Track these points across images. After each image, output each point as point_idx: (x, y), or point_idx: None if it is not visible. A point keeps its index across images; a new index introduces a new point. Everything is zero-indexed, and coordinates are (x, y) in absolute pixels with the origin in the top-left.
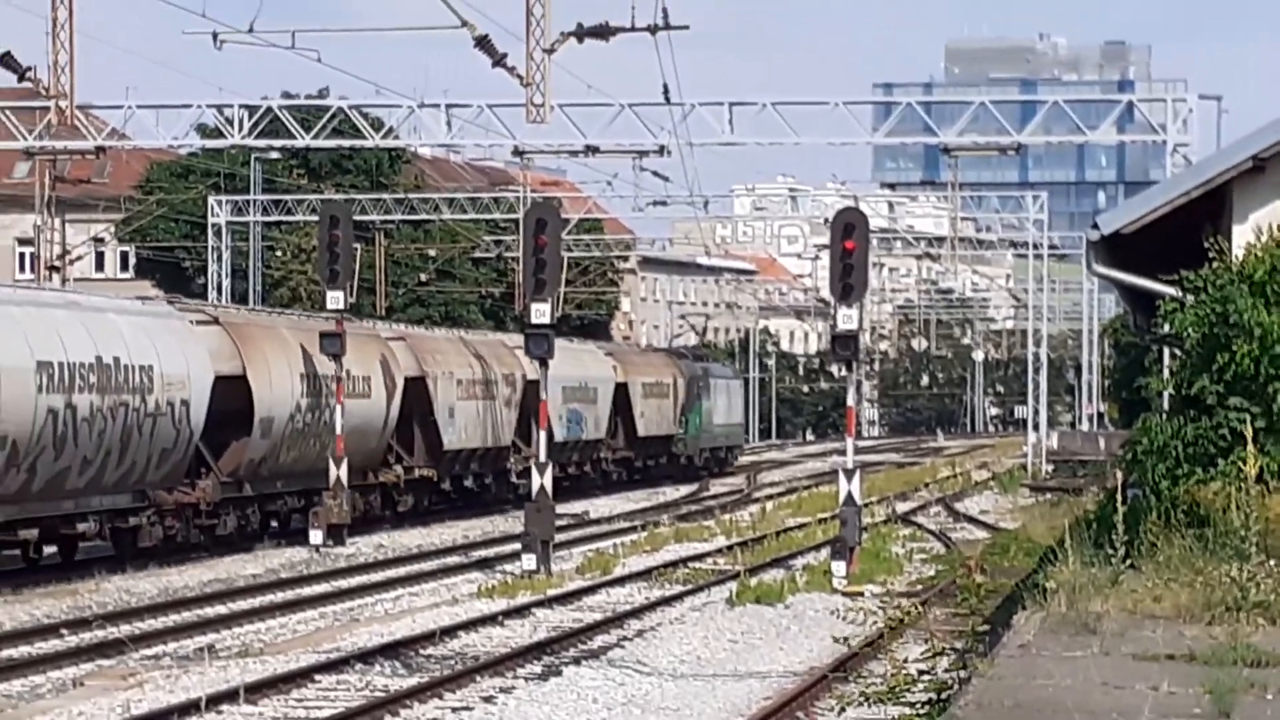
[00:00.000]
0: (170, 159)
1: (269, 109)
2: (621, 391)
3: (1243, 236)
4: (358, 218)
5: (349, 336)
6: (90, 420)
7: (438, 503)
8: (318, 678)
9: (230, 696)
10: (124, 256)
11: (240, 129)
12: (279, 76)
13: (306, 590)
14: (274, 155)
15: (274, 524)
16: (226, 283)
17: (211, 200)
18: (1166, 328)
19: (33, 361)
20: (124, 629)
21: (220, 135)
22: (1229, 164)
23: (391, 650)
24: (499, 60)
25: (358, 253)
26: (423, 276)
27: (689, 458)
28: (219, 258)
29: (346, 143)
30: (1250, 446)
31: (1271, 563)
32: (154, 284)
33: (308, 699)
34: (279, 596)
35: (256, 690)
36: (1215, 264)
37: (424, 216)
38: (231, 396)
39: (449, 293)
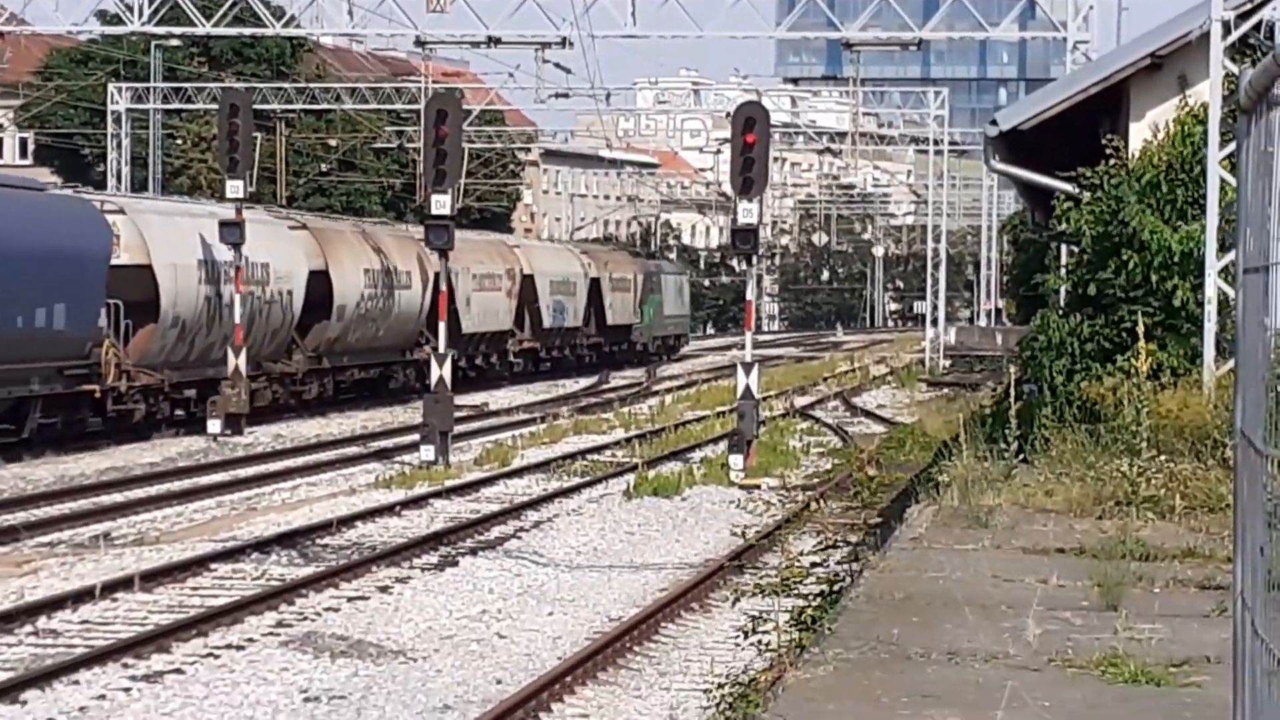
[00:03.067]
0: (70, 45)
1: None
2: (594, 286)
3: (1140, 134)
4: (259, 107)
5: (394, 238)
6: (230, 306)
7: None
8: (214, 566)
9: (125, 584)
10: (23, 143)
11: (141, 16)
12: None
13: (204, 479)
14: (175, 43)
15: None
16: (126, 170)
17: (111, 88)
18: (1062, 225)
19: (194, 259)
20: (19, 516)
21: (120, 22)
22: (1127, 61)
23: (288, 539)
24: None
25: (258, 142)
26: (324, 167)
27: (644, 344)
28: (119, 145)
29: (248, 31)
30: (1142, 342)
31: (1162, 458)
32: (53, 171)
33: (203, 587)
34: (176, 485)
35: (152, 578)
36: (1111, 161)
37: (325, 106)
38: (315, 288)
39: (350, 183)
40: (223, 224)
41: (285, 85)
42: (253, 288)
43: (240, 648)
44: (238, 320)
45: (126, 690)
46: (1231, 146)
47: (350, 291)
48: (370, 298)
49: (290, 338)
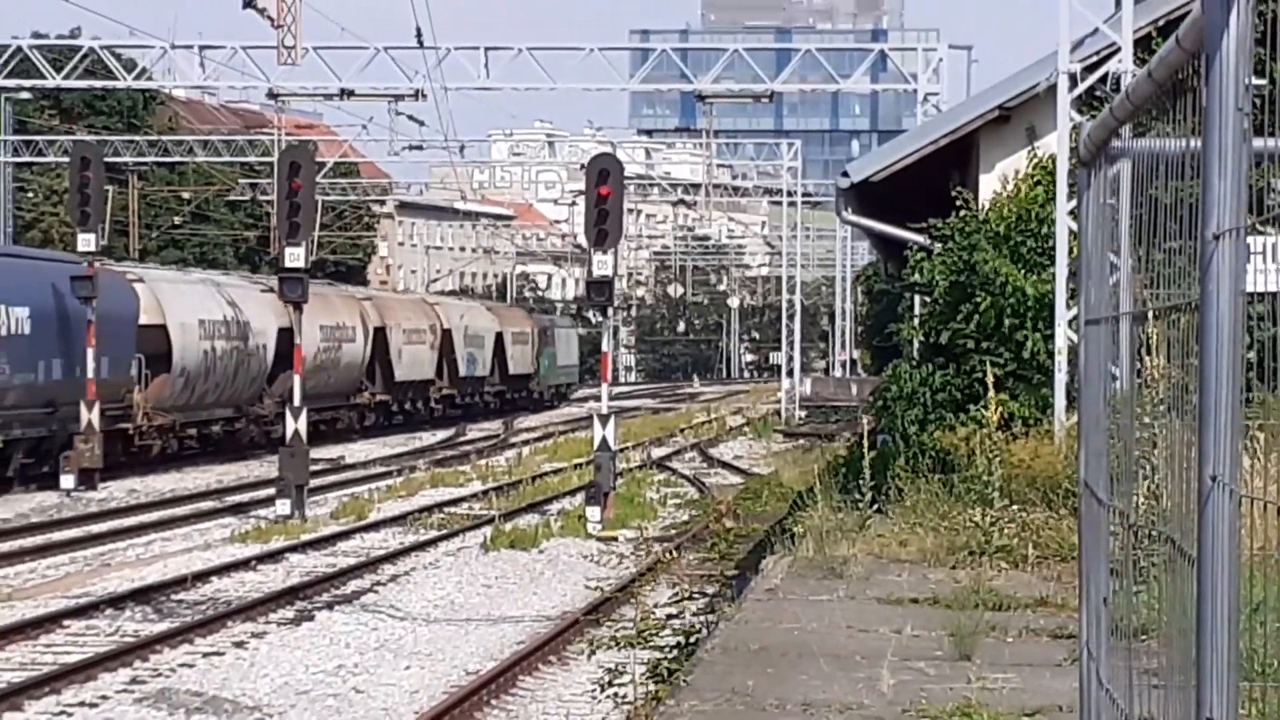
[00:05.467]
0: None
1: (19, 49)
2: (499, 339)
3: (989, 184)
4: (111, 159)
5: (340, 297)
6: (221, 359)
7: (384, 422)
8: (67, 623)
9: None
10: None
11: None
12: (28, 16)
13: (57, 535)
14: (25, 96)
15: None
16: None
17: None
18: (915, 276)
19: (196, 320)
20: None
21: None
22: (976, 113)
23: (142, 595)
24: (250, 1)
25: (110, 194)
26: (177, 219)
27: (541, 392)
28: None
29: (99, 84)
30: (992, 393)
31: (1014, 508)
32: None
33: (56, 644)
34: (29, 541)
35: (4, 636)
36: (962, 212)
37: (178, 158)
38: (281, 342)
39: (203, 235)
40: (74, 278)
41: (137, 138)
42: (238, 342)
43: (94, 705)
44: (90, 374)
45: None
46: None
47: (311, 345)
48: (325, 350)
49: (263, 386)
